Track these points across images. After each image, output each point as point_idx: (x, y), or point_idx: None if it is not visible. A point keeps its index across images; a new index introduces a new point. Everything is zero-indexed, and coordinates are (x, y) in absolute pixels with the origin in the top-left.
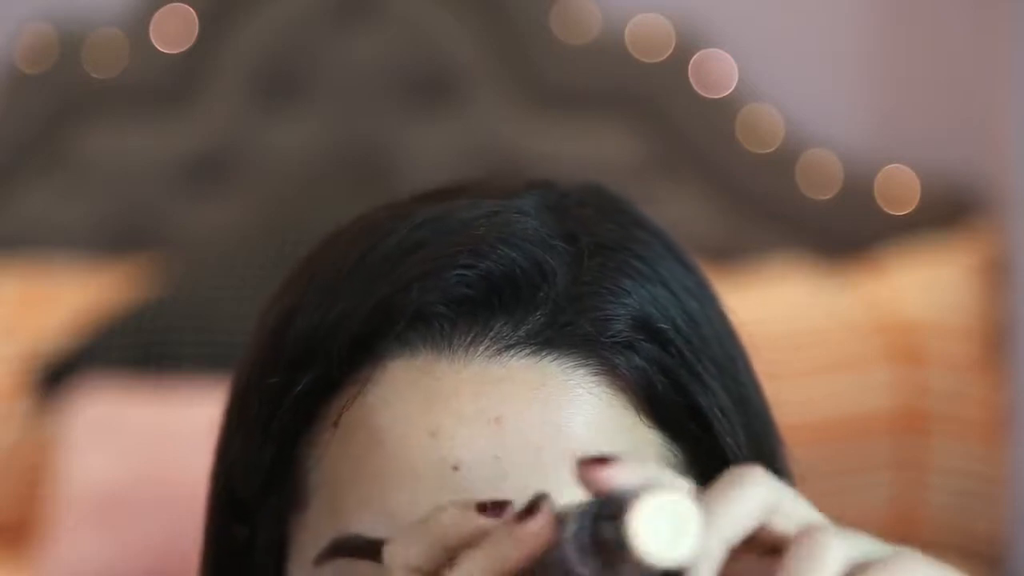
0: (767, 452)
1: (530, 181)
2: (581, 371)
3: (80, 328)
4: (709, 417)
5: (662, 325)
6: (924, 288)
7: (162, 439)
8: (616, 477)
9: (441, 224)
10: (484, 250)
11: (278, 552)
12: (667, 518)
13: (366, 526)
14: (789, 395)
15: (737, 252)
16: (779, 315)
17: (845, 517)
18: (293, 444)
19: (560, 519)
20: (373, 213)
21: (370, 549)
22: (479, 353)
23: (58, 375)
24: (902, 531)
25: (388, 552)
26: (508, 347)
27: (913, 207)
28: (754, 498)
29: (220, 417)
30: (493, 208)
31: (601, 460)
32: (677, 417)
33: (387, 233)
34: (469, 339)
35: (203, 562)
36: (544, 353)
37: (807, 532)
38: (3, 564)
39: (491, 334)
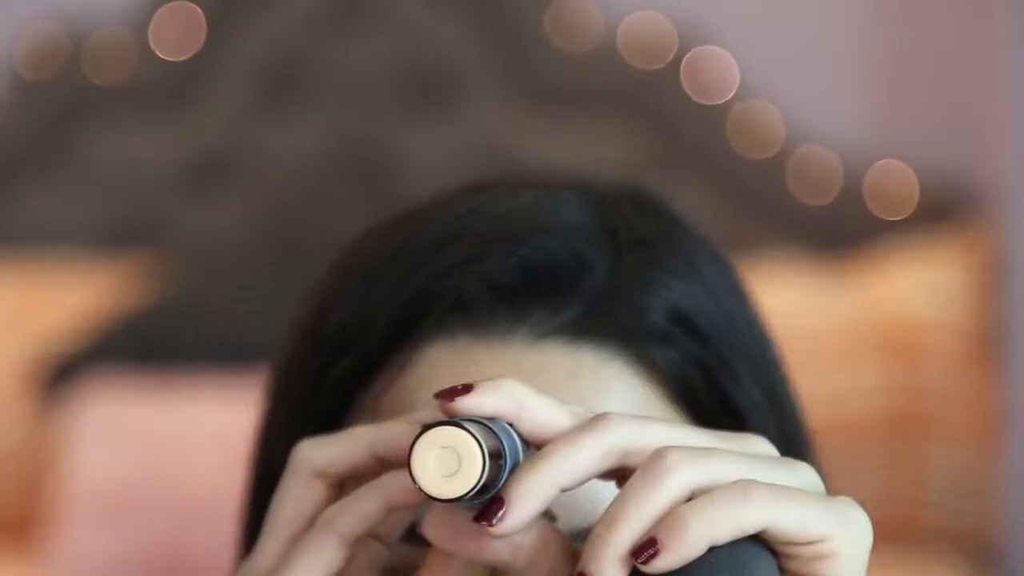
0: (797, 449)
1: (570, 179)
2: (617, 361)
3: (84, 328)
4: (743, 412)
5: (699, 320)
6: (920, 288)
7: (166, 437)
8: (467, 405)
9: (482, 213)
10: (524, 238)
11: None
12: (454, 452)
13: None
14: None
15: (734, 251)
16: (776, 315)
17: None
18: (334, 427)
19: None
20: (415, 205)
21: (404, 532)
22: (516, 340)
23: (62, 375)
24: (898, 530)
25: (299, 447)
26: (545, 335)
27: (911, 207)
28: (596, 445)
29: (262, 400)
30: (534, 199)
31: (456, 390)
32: (711, 411)
33: (428, 222)
34: (507, 326)
35: (242, 543)
36: (581, 342)
37: (657, 453)
38: (10, 561)
39: (529, 322)
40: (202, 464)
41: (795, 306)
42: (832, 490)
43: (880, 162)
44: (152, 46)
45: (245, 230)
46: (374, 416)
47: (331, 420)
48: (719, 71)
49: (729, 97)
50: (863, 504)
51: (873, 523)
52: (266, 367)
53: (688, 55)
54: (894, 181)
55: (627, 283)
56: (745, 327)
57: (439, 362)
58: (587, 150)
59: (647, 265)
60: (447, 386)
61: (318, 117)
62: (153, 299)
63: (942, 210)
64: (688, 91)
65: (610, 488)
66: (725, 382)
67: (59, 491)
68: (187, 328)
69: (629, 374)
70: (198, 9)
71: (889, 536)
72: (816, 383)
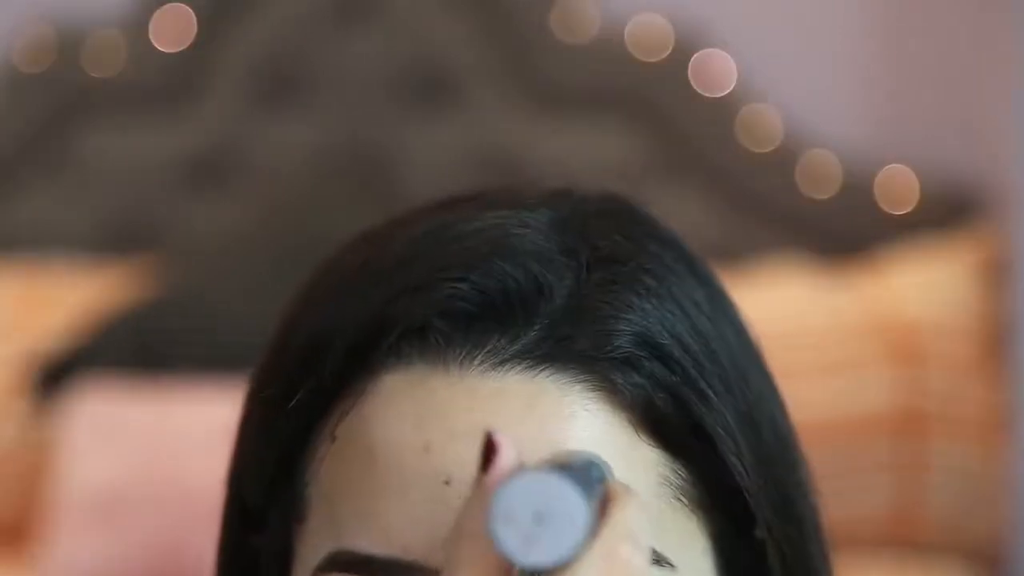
0: (781, 469)
1: (548, 191)
2: (578, 387)
3: (79, 328)
4: (712, 436)
5: (664, 341)
6: (924, 288)
7: (161, 439)
8: None
9: (440, 236)
10: (479, 263)
11: (283, 562)
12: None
13: (359, 541)
14: (788, 396)
15: (736, 252)
16: (778, 316)
17: (845, 518)
18: (294, 455)
19: None
20: (382, 223)
21: (362, 565)
22: (473, 367)
23: (57, 375)
24: (902, 532)
25: None
26: (503, 362)
27: (913, 207)
28: None
29: (236, 424)
30: (495, 220)
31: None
32: (679, 436)
33: (386, 244)
34: (463, 353)
35: (217, 568)
36: (540, 368)
37: None
38: (2, 564)
39: (486, 348)
40: (199, 466)
41: (800, 307)
42: (834, 491)
43: (883, 164)
44: (151, 43)
45: (244, 229)
46: (333, 444)
47: (292, 448)
48: (720, 73)
49: (731, 99)
50: (865, 508)
51: (877, 525)
52: None
53: (689, 57)
54: (897, 183)
55: (590, 305)
56: (721, 347)
57: (395, 390)
58: (587, 150)
59: (613, 286)
60: (404, 414)
61: (318, 115)
62: (149, 298)
63: (946, 211)
64: (690, 93)
65: None
66: (694, 405)
67: (54, 493)
68: (183, 328)
69: (591, 399)
70: (195, 5)
71: (892, 538)
72: (820, 384)
